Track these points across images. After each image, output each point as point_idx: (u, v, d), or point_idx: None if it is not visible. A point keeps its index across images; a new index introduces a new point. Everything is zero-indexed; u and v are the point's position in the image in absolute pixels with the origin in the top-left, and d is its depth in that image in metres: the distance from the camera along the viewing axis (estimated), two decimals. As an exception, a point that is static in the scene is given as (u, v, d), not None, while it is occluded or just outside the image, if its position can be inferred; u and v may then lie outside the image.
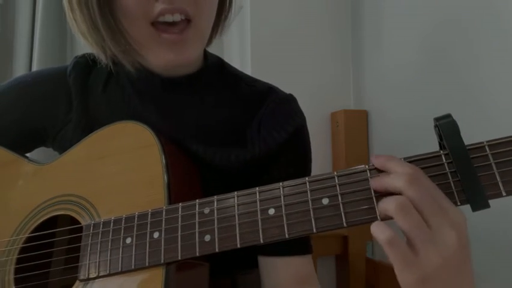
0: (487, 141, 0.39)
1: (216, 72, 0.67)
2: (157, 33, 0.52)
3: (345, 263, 1.12)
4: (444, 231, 0.37)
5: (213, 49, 0.69)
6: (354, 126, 1.18)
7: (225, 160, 0.61)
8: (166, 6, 0.50)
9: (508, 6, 0.73)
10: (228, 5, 0.64)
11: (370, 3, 1.18)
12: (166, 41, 0.53)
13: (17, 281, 0.53)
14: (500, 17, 0.74)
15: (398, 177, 0.39)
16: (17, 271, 0.54)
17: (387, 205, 0.39)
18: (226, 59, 0.72)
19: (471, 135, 0.42)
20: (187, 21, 0.53)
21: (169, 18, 0.51)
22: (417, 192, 0.38)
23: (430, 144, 0.45)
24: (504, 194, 0.38)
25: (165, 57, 0.54)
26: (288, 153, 0.63)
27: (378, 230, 0.39)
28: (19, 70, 1.20)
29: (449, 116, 0.41)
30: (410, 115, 1.01)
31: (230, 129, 0.63)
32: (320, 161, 1.21)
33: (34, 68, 1.19)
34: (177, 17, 0.51)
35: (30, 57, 1.20)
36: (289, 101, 0.67)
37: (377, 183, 0.41)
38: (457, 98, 0.85)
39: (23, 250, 0.54)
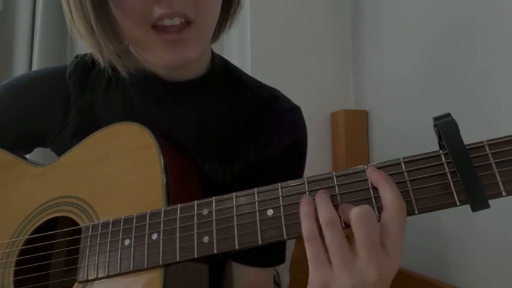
0: (487, 141, 0.39)
1: (220, 77, 0.66)
2: (156, 33, 0.52)
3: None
4: (369, 268, 0.38)
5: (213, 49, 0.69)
6: (354, 126, 1.17)
7: (220, 177, 0.61)
8: (165, 11, 0.49)
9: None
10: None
11: (370, 4, 1.18)
12: (165, 41, 0.52)
13: (16, 283, 0.53)
14: (502, 20, 0.74)
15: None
16: (16, 273, 0.54)
17: (323, 210, 0.41)
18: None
19: (472, 135, 0.42)
20: (187, 22, 0.52)
21: (168, 22, 0.50)
22: (361, 228, 0.38)
23: (430, 144, 0.45)
24: (504, 193, 0.37)
25: (164, 58, 0.53)
26: (282, 164, 0.64)
27: (305, 222, 0.41)
28: (19, 72, 1.20)
29: (448, 115, 0.40)
30: (410, 115, 1.00)
31: (229, 138, 0.63)
32: (320, 161, 1.21)
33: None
34: (176, 21, 0.50)
35: (30, 59, 1.20)
36: (292, 112, 0.66)
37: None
38: (457, 98, 0.84)
39: (22, 252, 0.54)
